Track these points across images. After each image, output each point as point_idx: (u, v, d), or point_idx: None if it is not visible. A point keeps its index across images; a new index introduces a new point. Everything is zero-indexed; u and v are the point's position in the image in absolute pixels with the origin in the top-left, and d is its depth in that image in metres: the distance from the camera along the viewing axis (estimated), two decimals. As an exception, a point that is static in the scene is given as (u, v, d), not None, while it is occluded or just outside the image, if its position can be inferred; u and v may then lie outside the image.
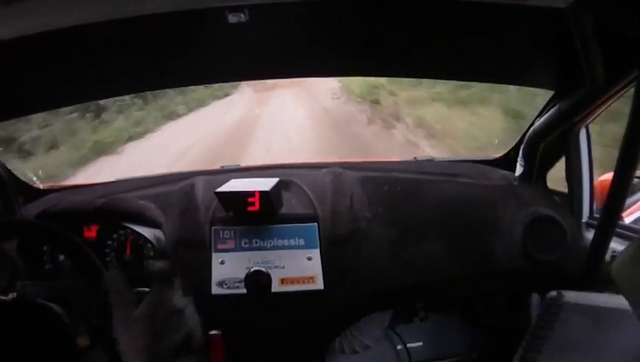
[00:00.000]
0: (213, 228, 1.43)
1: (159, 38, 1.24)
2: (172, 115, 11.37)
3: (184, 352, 0.86)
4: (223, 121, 10.87)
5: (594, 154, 1.52)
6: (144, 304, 0.87)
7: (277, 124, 9.72)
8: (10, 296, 1.01)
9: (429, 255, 1.45)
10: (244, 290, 1.29)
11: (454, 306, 1.82)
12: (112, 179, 1.82)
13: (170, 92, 10.64)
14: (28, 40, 1.00)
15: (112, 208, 1.45)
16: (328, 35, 1.33)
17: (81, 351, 0.92)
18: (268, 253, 1.41)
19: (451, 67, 1.58)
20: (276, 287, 1.34)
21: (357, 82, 11.39)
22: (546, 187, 1.63)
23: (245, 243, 1.42)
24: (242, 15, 1.08)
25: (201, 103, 12.86)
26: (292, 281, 1.38)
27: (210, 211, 1.46)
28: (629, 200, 1.83)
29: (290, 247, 1.42)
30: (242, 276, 1.30)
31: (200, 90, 12.49)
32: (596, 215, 1.50)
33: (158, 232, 1.43)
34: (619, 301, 0.78)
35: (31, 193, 1.66)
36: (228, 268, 1.39)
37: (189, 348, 0.88)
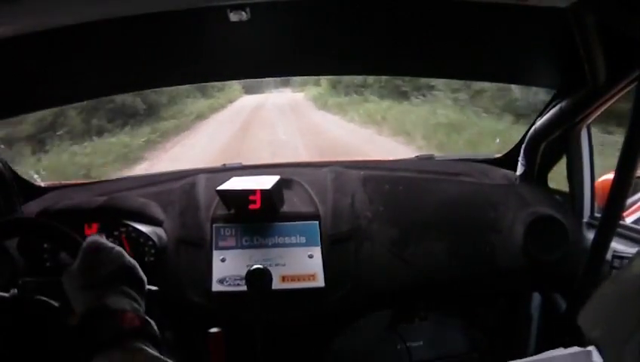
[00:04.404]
0: (214, 225, 1.44)
1: (160, 36, 1.24)
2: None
3: (119, 282, 0.90)
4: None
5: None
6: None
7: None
8: (11, 292, 1.01)
9: (430, 254, 1.45)
10: (245, 288, 1.29)
11: (455, 306, 1.82)
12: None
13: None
14: (31, 38, 1.00)
15: (113, 206, 1.45)
16: (329, 34, 1.33)
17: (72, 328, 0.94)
18: (269, 250, 1.41)
19: (453, 66, 1.58)
20: (277, 285, 1.34)
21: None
22: (547, 186, 1.63)
23: (246, 241, 1.43)
24: (243, 13, 1.08)
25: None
26: (293, 279, 1.38)
27: (211, 209, 1.46)
28: (629, 201, 1.83)
29: (291, 245, 1.42)
30: (243, 273, 1.30)
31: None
32: (597, 215, 1.50)
33: (159, 230, 1.44)
34: None
35: (32, 191, 1.66)
36: (229, 266, 1.39)
37: (126, 279, 0.92)
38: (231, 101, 17.27)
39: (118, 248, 0.95)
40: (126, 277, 0.92)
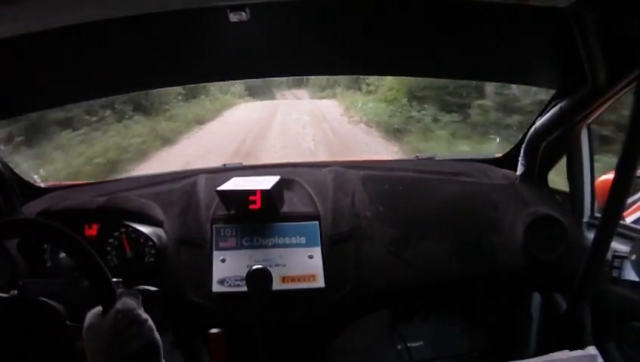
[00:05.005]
0: (214, 226, 1.44)
1: (160, 36, 1.24)
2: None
3: (143, 359, 0.90)
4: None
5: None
6: (111, 311, 0.91)
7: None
8: (11, 293, 1.01)
9: (430, 254, 1.45)
10: (245, 288, 1.30)
11: (455, 305, 1.82)
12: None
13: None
14: (31, 38, 1.00)
15: (113, 206, 1.45)
16: (330, 34, 1.33)
17: (80, 352, 0.93)
18: (269, 251, 1.41)
19: (453, 66, 1.58)
20: (277, 285, 1.34)
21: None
22: (548, 186, 1.63)
23: (246, 242, 1.43)
24: (243, 14, 1.08)
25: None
26: (293, 279, 1.38)
27: (211, 209, 1.46)
28: (630, 200, 1.83)
29: (291, 245, 1.42)
30: (243, 274, 1.30)
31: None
32: (597, 215, 1.50)
33: (159, 230, 1.44)
34: None
35: (32, 191, 1.66)
36: (229, 266, 1.39)
37: (148, 357, 0.92)
38: (201, 123, 10.07)
39: (150, 322, 0.94)
40: (151, 354, 0.92)
